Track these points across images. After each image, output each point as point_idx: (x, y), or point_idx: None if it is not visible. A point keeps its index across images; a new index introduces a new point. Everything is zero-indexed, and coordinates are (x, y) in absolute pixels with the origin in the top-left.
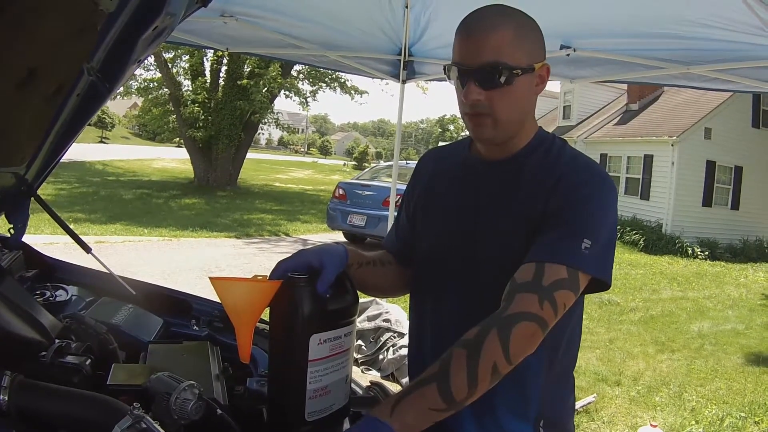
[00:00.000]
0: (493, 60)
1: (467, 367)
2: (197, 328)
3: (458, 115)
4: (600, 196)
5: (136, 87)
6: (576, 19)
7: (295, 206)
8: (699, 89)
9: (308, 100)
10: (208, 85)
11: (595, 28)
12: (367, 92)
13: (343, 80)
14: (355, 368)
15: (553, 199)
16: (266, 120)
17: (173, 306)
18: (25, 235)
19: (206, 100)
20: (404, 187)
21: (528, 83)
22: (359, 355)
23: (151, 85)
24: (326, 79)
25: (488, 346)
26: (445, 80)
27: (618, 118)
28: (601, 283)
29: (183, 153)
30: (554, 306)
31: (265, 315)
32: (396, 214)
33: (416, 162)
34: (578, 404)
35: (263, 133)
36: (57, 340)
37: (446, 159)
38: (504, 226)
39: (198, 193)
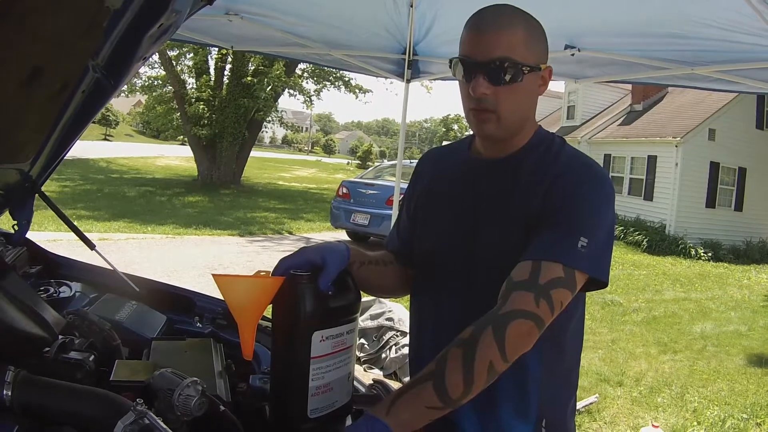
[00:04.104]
0: (504, 55)
1: (463, 366)
2: (200, 325)
3: (462, 114)
4: (597, 194)
5: (140, 84)
6: (580, 19)
7: (299, 205)
8: (703, 90)
9: (312, 98)
10: (212, 83)
11: (600, 29)
12: (371, 91)
13: (347, 79)
14: (357, 367)
15: (550, 197)
16: (270, 118)
17: (176, 303)
18: (28, 232)
19: (210, 98)
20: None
21: (534, 82)
22: (362, 354)
23: (156, 83)
24: (330, 78)
25: (484, 345)
26: (450, 79)
27: (622, 119)
28: (598, 281)
29: (187, 151)
30: (550, 304)
31: (268, 312)
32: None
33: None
34: (580, 404)
35: (267, 132)
36: (60, 336)
37: (446, 159)
38: (503, 225)
39: (201, 191)
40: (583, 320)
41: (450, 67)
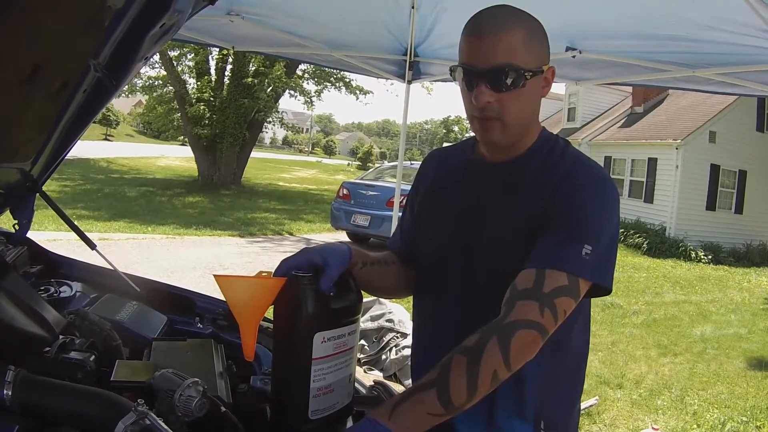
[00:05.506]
0: (506, 62)
1: (467, 375)
2: (201, 326)
3: (463, 116)
4: (601, 199)
5: (140, 85)
6: (582, 21)
7: (299, 206)
8: (704, 92)
9: (313, 99)
10: (213, 83)
11: (601, 30)
12: (371, 92)
13: (348, 80)
14: (357, 368)
15: (554, 201)
16: (271, 119)
17: (177, 303)
18: (29, 231)
19: (211, 99)
20: (408, 187)
21: (537, 85)
22: (362, 355)
23: (156, 83)
24: (331, 79)
25: (489, 354)
26: (451, 81)
27: (622, 121)
28: (602, 287)
29: (187, 151)
30: (554, 313)
31: (269, 314)
32: (400, 214)
33: (420, 162)
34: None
35: (268, 132)
36: (61, 336)
37: (450, 160)
38: (506, 227)
39: (202, 192)
40: (588, 321)
41: (450, 74)
